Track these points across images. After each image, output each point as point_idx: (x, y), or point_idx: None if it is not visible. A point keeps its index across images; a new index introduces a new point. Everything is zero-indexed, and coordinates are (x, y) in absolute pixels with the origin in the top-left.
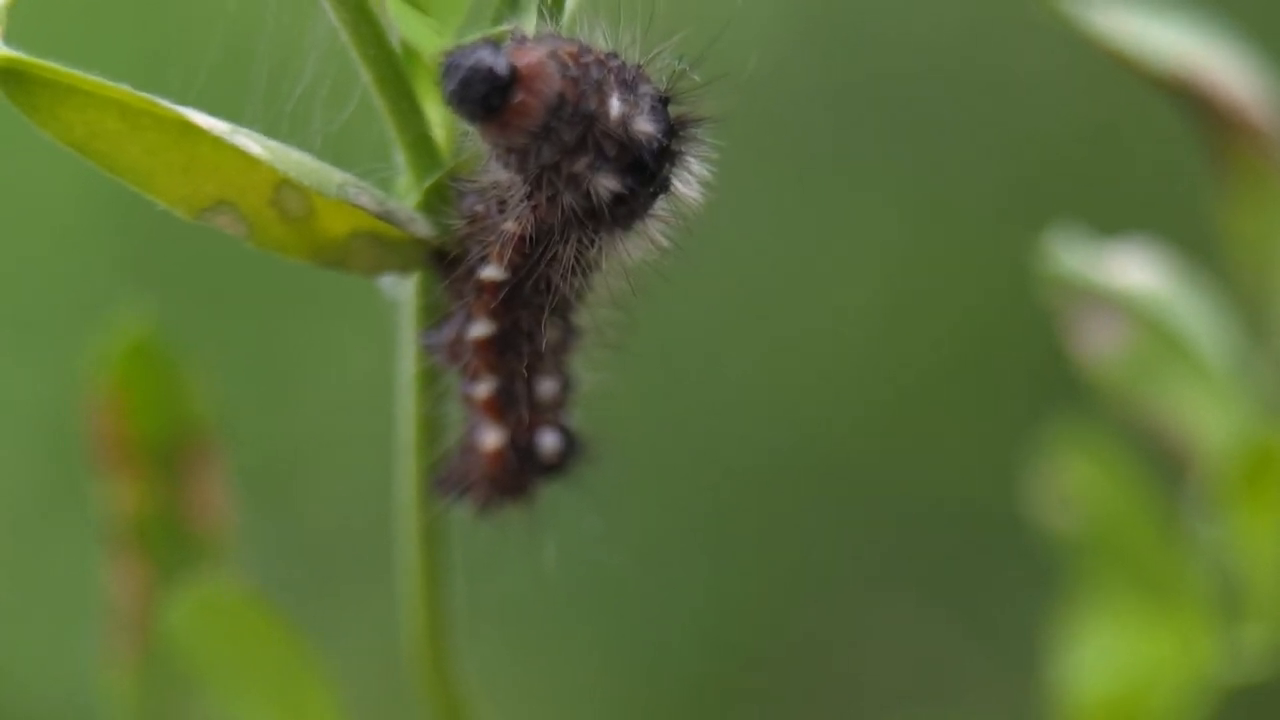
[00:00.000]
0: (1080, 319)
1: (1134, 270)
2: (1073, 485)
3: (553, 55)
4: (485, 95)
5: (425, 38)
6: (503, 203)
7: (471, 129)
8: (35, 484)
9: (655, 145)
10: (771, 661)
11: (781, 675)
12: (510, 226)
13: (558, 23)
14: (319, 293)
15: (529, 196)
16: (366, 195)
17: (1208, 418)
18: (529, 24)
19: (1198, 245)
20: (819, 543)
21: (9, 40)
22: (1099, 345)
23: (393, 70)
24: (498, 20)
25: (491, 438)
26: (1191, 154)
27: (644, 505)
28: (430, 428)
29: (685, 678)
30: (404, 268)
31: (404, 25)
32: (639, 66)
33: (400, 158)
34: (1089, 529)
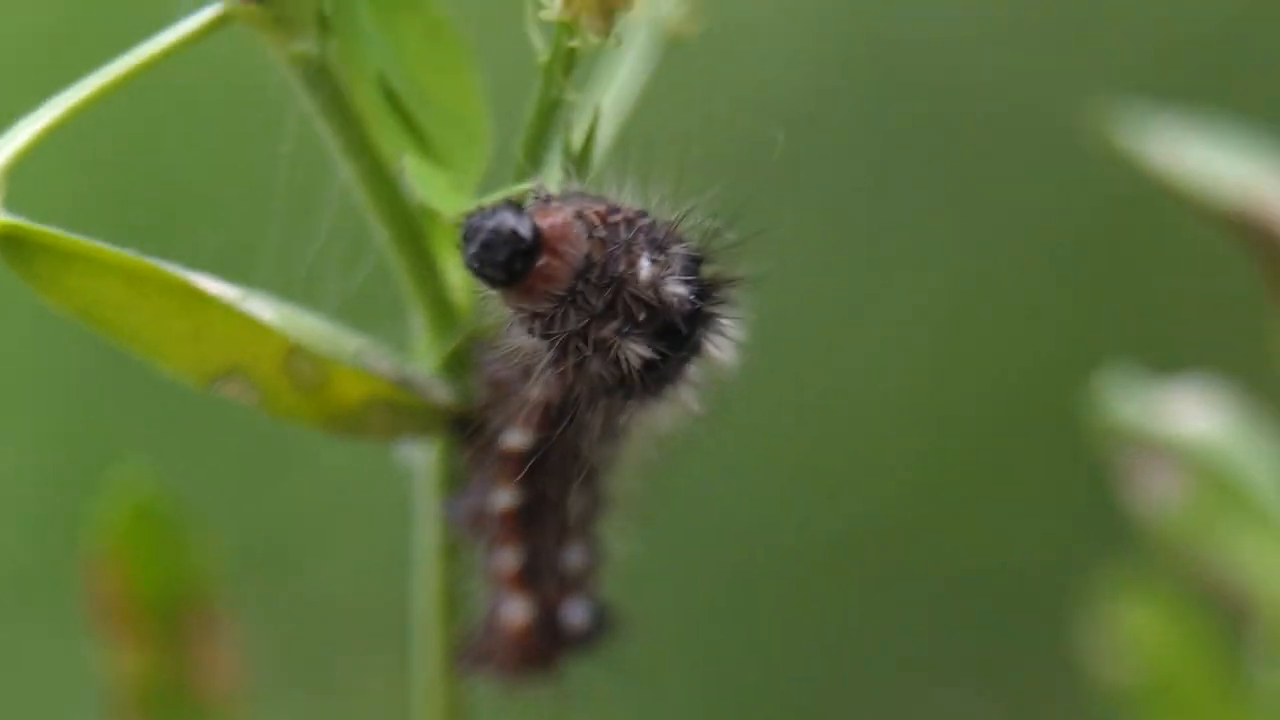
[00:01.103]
0: (1135, 468)
1: (1193, 416)
2: (1129, 633)
3: (579, 215)
4: (508, 259)
5: (443, 196)
6: (527, 369)
7: (493, 293)
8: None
9: (688, 308)
10: None
11: None
12: (535, 394)
13: (583, 178)
14: None
15: (555, 363)
16: (384, 362)
17: (1271, 567)
18: (552, 180)
19: (1256, 370)
20: (860, 624)
21: (9, 205)
22: (1156, 495)
23: (409, 229)
24: (520, 177)
25: (517, 612)
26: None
27: (676, 583)
28: (451, 601)
29: None
30: (422, 435)
31: (420, 183)
32: (670, 224)
33: (418, 320)
34: (1147, 679)
